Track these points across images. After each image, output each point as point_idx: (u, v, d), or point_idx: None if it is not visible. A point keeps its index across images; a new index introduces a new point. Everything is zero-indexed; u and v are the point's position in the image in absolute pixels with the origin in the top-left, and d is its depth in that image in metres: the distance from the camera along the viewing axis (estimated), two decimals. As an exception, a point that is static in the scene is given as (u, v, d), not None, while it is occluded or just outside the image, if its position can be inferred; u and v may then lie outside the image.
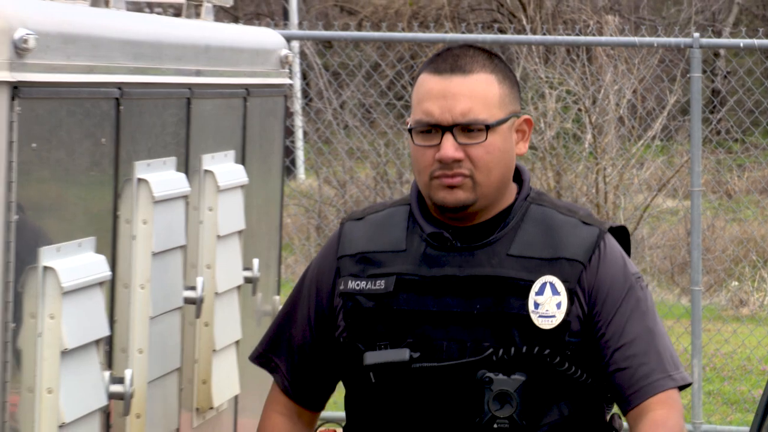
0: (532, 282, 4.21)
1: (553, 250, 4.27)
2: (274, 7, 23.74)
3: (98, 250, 4.54)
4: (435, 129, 4.19)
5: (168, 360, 5.12)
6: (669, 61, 18.38)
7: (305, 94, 19.18)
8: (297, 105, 18.72)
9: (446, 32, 20.16)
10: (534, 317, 4.17)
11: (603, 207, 18.06)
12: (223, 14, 5.89)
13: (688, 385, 4.37)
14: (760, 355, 14.30)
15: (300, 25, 19.59)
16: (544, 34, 21.05)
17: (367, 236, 4.35)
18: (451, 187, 4.17)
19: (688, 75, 13.48)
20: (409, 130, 4.25)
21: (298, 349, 4.39)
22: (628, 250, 4.54)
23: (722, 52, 18.32)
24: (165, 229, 5.05)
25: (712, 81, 16.03)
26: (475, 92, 4.23)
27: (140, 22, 5.41)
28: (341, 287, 4.29)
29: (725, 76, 18.21)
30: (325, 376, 4.48)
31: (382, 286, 4.24)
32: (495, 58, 4.37)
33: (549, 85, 18.42)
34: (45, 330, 4.18)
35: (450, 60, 4.28)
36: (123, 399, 4.66)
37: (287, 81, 6.53)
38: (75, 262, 4.33)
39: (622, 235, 4.53)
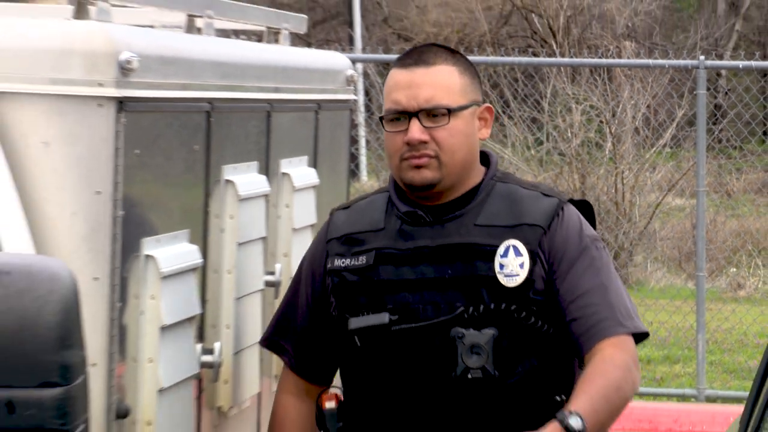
0: (497, 246, 4.13)
1: (516, 218, 4.18)
2: (341, 34, 23.72)
3: (191, 241, 4.53)
4: (403, 116, 4.13)
5: (251, 334, 5.10)
6: (678, 80, 18.29)
7: (368, 108, 19.14)
8: (360, 117, 18.77)
9: (487, 56, 20.12)
10: (500, 277, 4.10)
11: (621, 204, 18.03)
12: (297, 40, 5.86)
13: (644, 335, 4.24)
14: (755, 331, 14.26)
15: (363, 50, 19.55)
16: (572, 57, 21.02)
17: (351, 221, 4.31)
18: (419, 167, 4.10)
19: (694, 92, 13.50)
20: (380, 119, 4.21)
21: (301, 331, 4.34)
22: (593, 222, 4.42)
23: (723, 72, 18.21)
24: (248, 223, 5.05)
25: (715, 97, 15.93)
26: (438, 81, 4.16)
27: (227, 46, 5.41)
28: (329, 266, 4.26)
29: (726, 93, 18.12)
30: (327, 353, 4.43)
31: (364, 261, 4.20)
32: (457, 54, 4.32)
33: (575, 101, 18.37)
34: (146, 309, 4.18)
35: (415, 55, 4.24)
36: (212, 368, 4.67)
37: (352, 97, 6.52)
38: (172, 251, 4.33)
39: (586, 208, 4.41)
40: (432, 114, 4.11)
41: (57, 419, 2.00)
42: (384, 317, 4.13)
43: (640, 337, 4.24)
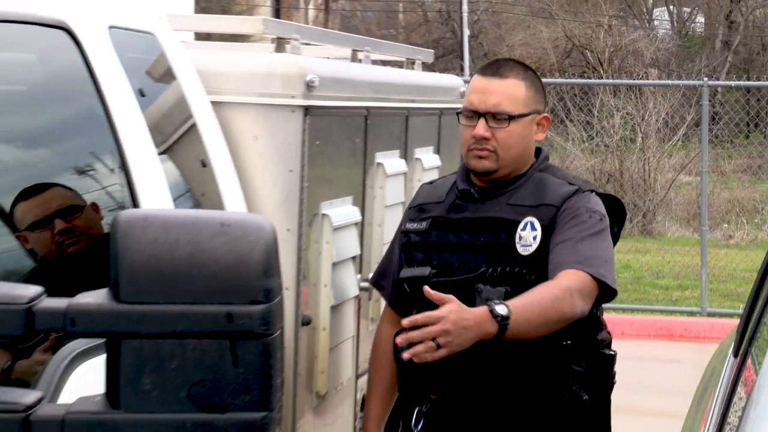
0: (519, 221, 3.70)
1: (539, 200, 3.74)
2: (455, 64, 23.66)
3: (354, 204, 4.53)
4: (474, 114, 3.75)
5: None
6: (688, 95, 18.15)
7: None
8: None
9: (555, 78, 19.97)
10: (518, 246, 3.68)
11: (647, 180, 17.88)
12: (426, 67, 5.94)
13: (600, 281, 3.60)
14: (742, 267, 14.12)
15: (470, 73, 19.34)
16: (613, 79, 20.83)
17: (426, 193, 4.00)
18: (480, 157, 3.74)
19: (699, 103, 13.50)
20: (457, 114, 3.86)
21: (393, 274, 4.04)
22: (622, 217, 3.92)
23: (719, 89, 17.99)
24: (393, 192, 5.04)
25: (713, 106, 15.72)
26: (506, 91, 3.75)
27: (379, 71, 5.42)
28: (404, 227, 3.98)
29: (721, 104, 17.92)
30: None
31: (423, 226, 3.88)
32: (529, 71, 3.92)
33: (616, 109, 18.21)
34: (323, 250, 4.17)
35: (494, 67, 3.84)
36: (366, 291, 4.66)
37: (464, 106, 6.51)
38: (340, 210, 4.32)
39: (616, 204, 3.91)
40: (496, 117, 3.73)
41: (261, 327, 1.95)
42: (425, 270, 3.82)
43: (606, 289, 3.65)
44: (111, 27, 3.10)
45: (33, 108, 2.96)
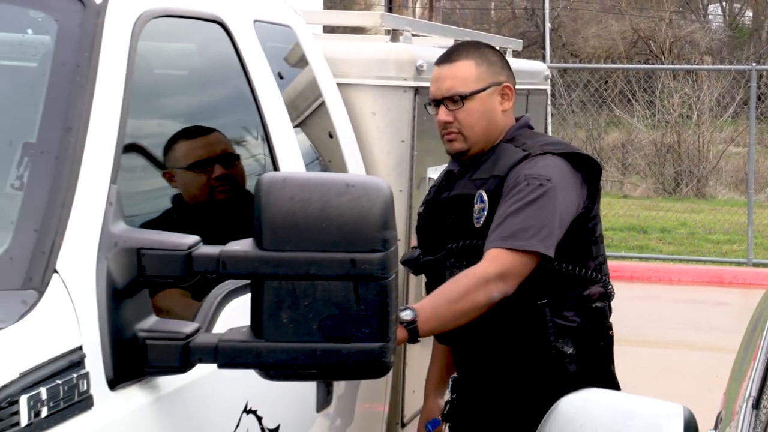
0: (473, 195, 3.27)
1: (490, 172, 3.29)
2: (538, 53, 23.42)
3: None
4: (435, 102, 3.36)
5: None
6: (737, 78, 17.80)
7: (552, 94, 18.91)
8: (548, 100, 18.53)
9: (624, 64, 19.72)
10: (474, 220, 3.25)
11: (702, 151, 17.64)
12: (515, 54, 5.92)
13: (524, 250, 3.12)
14: (782, 225, 13.97)
15: (551, 61, 19.13)
16: (673, 64, 20.49)
17: (437, 177, 3.63)
18: (450, 140, 3.34)
19: (748, 84, 13.31)
20: (425, 106, 3.51)
21: None
22: (595, 173, 3.33)
23: (764, 73, 17.60)
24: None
25: (759, 88, 15.39)
26: (456, 74, 3.33)
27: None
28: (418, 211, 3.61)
29: (767, 85, 17.55)
30: None
31: (421, 209, 3.53)
32: (481, 47, 3.46)
33: (675, 91, 17.93)
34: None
35: (446, 55, 3.42)
36: None
37: (547, 87, 6.41)
38: (438, 173, 4.30)
39: (589, 161, 3.35)
40: (452, 99, 3.32)
41: (380, 271, 1.98)
42: (415, 253, 3.47)
43: (541, 256, 3.15)
44: (256, 21, 3.10)
45: (193, 90, 2.97)
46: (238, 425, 2.43)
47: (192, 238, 2.06)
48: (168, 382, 2.15)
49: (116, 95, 2.19)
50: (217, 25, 2.81)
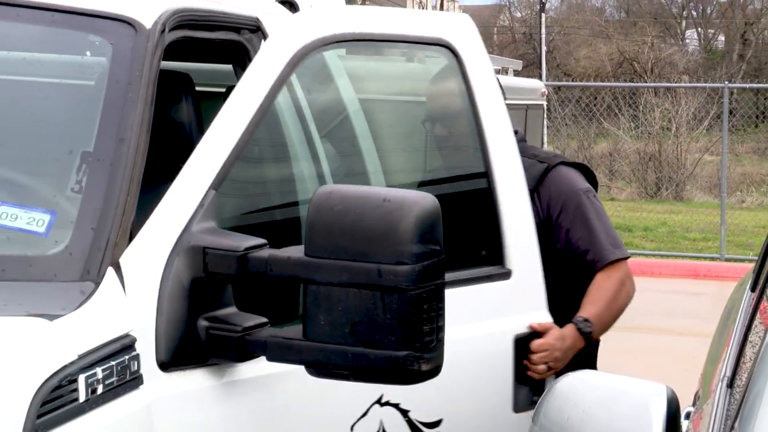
0: None
1: None
2: (535, 72, 23.33)
3: None
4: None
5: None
6: (712, 94, 17.74)
7: (547, 108, 18.81)
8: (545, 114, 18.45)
9: (611, 82, 19.65)
10: None
11: (680, 159, 17.56)
12: (516, 73, 5.88)
13: (625, 257, 3.03)
14: (752, 225, 13.85)
15: (546, 78, 19.05)
16: (654, 82, 20.42)
17: None
18: None
19: (721, 100, 13.29)
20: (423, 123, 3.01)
21: None
22: (593, 179, 3.16)
23: (734, 91, 17.52)
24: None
25: (731, 103, 15.32)
26: None
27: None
28: None
29: (737, 101, 17.50)
30: None
31: None
32: None
33: (656, 105, 17.86)
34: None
35: None
36: None
37: (544, 102, 6.38)
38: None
39: (585, 169, 3.18)
40: None
41: (405, 283, 1.84)
42: None
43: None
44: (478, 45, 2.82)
45: (430, 102, 2.84)
46: (365, 414, 2.31)
47: (254, 241, 2.00)
48: (240, 371, 2.06)
49: (239, 111, 2.16)
50: (445, 48, 2.63)
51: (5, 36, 2.26)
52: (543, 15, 20.56)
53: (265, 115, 2.21)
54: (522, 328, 2.67)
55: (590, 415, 1.79)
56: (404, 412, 2.40)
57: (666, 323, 8.81)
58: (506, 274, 2.65)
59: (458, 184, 2.83)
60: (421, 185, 2.75)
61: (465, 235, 2.67)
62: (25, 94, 2.28)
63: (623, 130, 18.39)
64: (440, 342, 1.90)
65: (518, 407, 2.69)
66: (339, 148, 2.61)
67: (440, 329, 1.90)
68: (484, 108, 2.69)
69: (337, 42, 2.41)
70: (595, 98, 17.88)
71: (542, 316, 2.72)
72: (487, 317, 2.57)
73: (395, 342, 1.86)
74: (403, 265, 1.83)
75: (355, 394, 2.24)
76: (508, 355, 2.62)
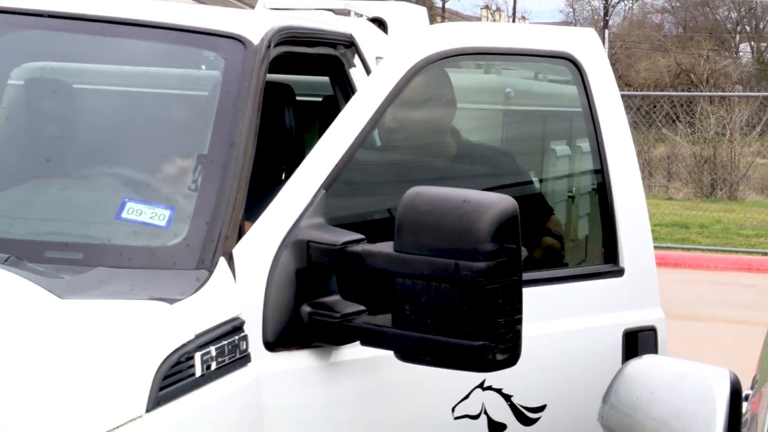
0: None
1: None
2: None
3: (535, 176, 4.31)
4: None
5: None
6: (764, 102, 17.34)
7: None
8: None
9: (670, 92, 19.29)
10: None
11: (734, 161, 17.20)
12: None
13: None
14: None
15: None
16: (710, 91, 20.00)
17: None
18: None
19: None
20: None
21: None
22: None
23: (786, 99, 17.10)
24: (560, 170, 4.78)
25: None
26: None
27: (551, 87, 5.16)
28: None
29: (788, 109, 17.10)
30: None
31: None
32: None
33: (711, 113, 17.50)
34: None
35: None
36: None
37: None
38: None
39: None
40: None
41: (480, 279, 1.82)
42: None
43: None
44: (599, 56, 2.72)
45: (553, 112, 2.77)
46: (467, 397, 2.28)
47: (352, 236, 2.00)
48: (345, 353, 2.05)
49: (353, 118, 2.15)
50: (567, 61, 2.57)
51: (131, 52, 2.31)
52: (606, 31, 20.30)
53: (378, 123, 2.20)
54: (632, 323, 2.57)
55: (658, 396, 1.76)
56: (507, 397, 2.35)
57: (721, 313, 8.62)
58: (619, 272, 2.56)
59: (579, 188, 2.81)
60: (545, 188, 2.72)
61: (583, 234, 2.65)
62: (149, 103, 2.32)
63: (680, 136, 18.05)
64: (517, 334, 1.86)
65: None
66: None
67: (517, 322, 1.86)
68: (604, 119, 2.62)
69: (459, 55, 2.38)
70: (654, 106, 17.58)
71: (654, 313, 2.62)
72: (599, 312, 2.51)
73: (471, 332, 1.84)
74: (478, 262, 1.81)
75: (457, 378, 2.20)
76: (617, 349, 2.53)
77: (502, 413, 2.34)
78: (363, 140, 2.14)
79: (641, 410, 1.75)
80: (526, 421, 2.37)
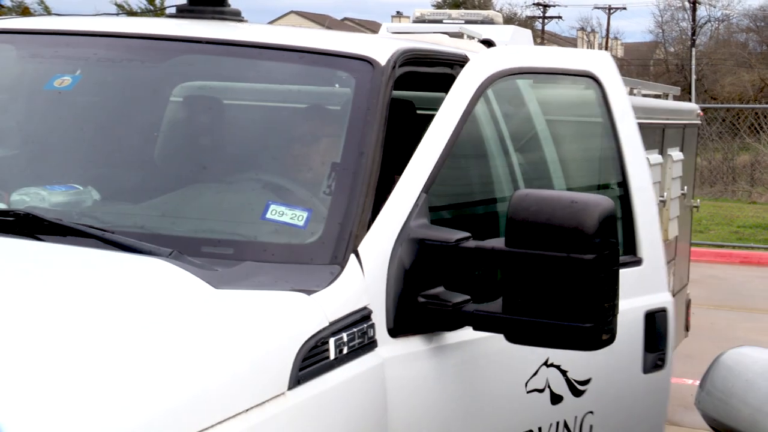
0: None
1: None
2: (685, 97, 22.32)
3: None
4: None
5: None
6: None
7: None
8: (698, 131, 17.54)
9: (756, 104, 18.51)
10: None
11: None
12: (675, 98, 5.58)
13: None
14: None
15: (695, 102, 18.13)
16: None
17: None
18: None
19: None
20: None
21: None
22: None
23: None
24: (653, 176, 4.71)
25: None
26: None
27: (648, 101, 5.14)
28: None
29: None
30: None
31: None
32: None
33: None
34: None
35: None
36: None
37: (698, 122, 6.04)
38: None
39: None
40: None
41: (587, 269, 1.83)
42: None
43: None
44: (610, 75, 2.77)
45: (584, 122, 2.83)
46: (535, 374, 2.31)
47: (462, 234, 2.02)
48: (446, 337, 2.06)
49: (442, 129, 2.18)
50: (590, 79, 2.64)
51: (274, 72, 2.36)
52: (693, 49, 19.67)
53: (462, 130, 2.24)
54: (650, 306, 2.65)
55: (753, 384, 1.67)
56: (564, 372, 2.40)
57: (744, 302, 8.32)
58: (638, 262, 2.66)
59: (605, 190, 2.84)
60: (582, 189, 2.74)
61: None
62: (289, 118, 2.36)
63: (763, 144, 17.31)
64: (615, 316, 1.91)
65: (646, 369, 2.70)
66: (528, 157, 2.66)
67: (616, 306, 1.90)
68: (621, 126, 2.71)
69: (512, 74, 2.46)
70: (738, 118, 16.91)
71: (665, 296, 2.72)
72: (625, 296, 2.56)
73: (583, 316, 1.86)
74: (588, 254, 1.83)
75: (527, 358, 2.27)
76: (640, 327, 2.61)
77: (560, 386, 2.40)
78: (451, 148, 2.17)
79: (736, 397, 1.67)
80: (577, 393, 2.43)
